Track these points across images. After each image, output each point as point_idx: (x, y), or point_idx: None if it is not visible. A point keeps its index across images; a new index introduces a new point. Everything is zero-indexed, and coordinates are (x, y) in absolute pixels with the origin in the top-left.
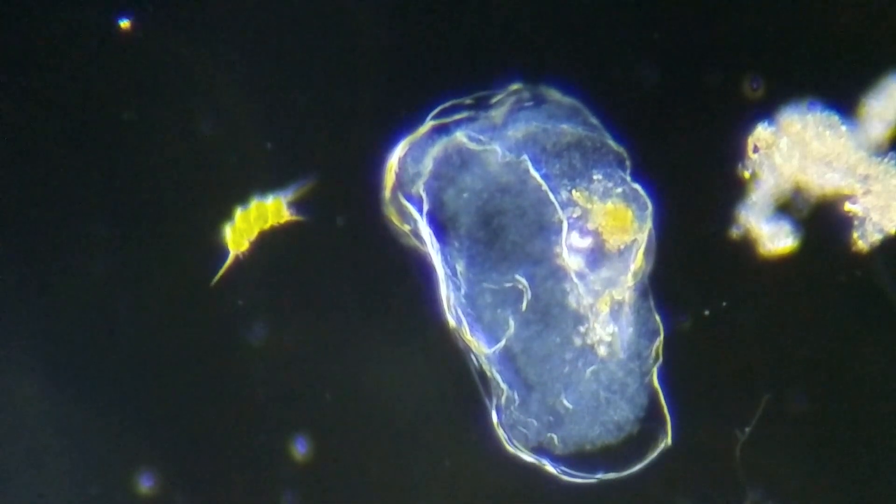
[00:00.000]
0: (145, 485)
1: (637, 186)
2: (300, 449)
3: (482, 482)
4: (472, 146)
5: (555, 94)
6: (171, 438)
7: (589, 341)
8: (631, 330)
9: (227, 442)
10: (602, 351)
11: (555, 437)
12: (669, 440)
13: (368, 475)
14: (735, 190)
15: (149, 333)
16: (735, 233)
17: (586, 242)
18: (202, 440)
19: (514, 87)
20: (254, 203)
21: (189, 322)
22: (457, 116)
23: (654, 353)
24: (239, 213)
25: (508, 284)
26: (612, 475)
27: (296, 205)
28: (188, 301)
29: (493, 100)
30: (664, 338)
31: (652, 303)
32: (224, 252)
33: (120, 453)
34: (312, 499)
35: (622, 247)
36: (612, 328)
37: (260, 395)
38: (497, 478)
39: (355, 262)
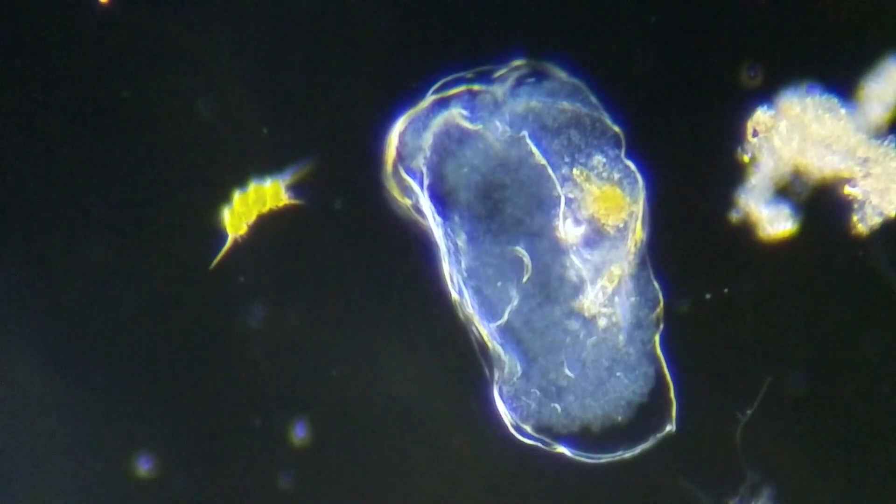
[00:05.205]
0: (144, 467)
1: (629, 163)
2: (299, 431)
3: (486, 461)
4: (467, 125)
5: (556, 72)
6: (170, 421)
7: (590, 313)
8: (632, 300)
9: (226, 425)
10: (603, 321)
11: (558, 406)
12: (673, 427)
13: (370, 454)
14: (734, 173)
15: (147, 317)
16: (735, 216)
17: (582, 229)
18: (201, 423)
19: (517, 63)
20: (252, 186)
21: (188, 306)
22: (457, 90)
23: (654, 321)
24: (237, 196)
25: (509, 257)
26: (614, 454)
27: (294, 188)
28: (187, 285)
29: (495, 75)
30: (664, 311)
31: (651, 272)
32: (222, 236)
33: (119, 436)
34: (313, 479)
35: (620, 225)
36: (612, 298)
37: (259, 378)
38: (501, 457)
39: (353, 245)
